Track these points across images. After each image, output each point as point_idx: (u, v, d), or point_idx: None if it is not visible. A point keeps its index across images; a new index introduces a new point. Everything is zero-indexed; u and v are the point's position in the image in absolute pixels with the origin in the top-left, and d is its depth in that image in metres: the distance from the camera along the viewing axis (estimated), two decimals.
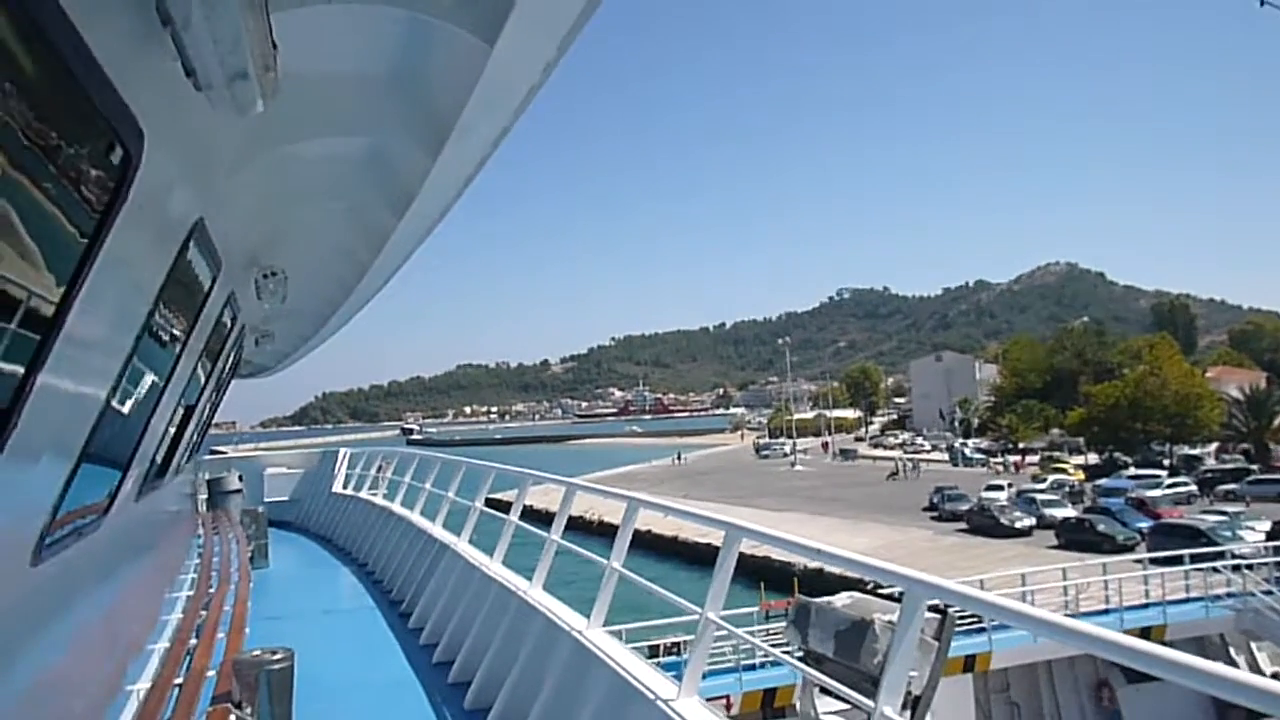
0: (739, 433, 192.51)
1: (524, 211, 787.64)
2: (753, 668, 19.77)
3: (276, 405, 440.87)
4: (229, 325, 7.53)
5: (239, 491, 18.29)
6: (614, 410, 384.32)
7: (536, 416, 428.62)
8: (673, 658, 18.74)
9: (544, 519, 8.67)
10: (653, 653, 19.28)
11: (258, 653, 5.71)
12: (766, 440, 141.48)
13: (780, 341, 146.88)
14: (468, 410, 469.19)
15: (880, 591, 5.68)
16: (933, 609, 4.56)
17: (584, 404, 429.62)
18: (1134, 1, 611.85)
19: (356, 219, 7.49)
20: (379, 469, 18.58)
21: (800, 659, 5.12)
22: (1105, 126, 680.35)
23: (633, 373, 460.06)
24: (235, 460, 25.67)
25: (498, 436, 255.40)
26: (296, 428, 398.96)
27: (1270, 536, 33.39)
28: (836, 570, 33.34)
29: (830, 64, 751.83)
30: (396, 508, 15.07)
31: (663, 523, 48.85)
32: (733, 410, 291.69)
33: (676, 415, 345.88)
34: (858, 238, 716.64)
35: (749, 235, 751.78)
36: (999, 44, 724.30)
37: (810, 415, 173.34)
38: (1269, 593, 22.74)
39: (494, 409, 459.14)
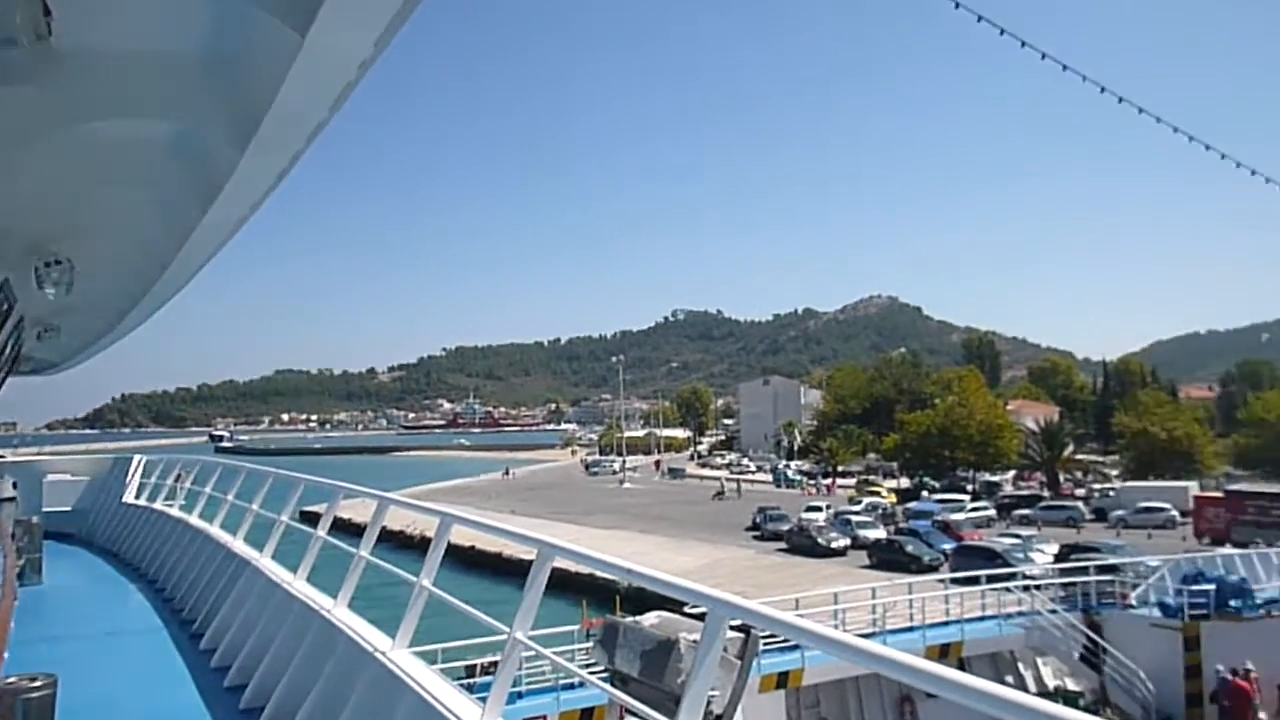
0: (570, 449, 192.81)
1: (355, 213, 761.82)
2: (572, 686, 19.63)
3: (67, 406, 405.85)
4: (2, 316, 6.88)
5: (11, 500, 16.62)
6: (443, 422, 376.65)
7: (360, 426, 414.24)
8: (488, 678, 18.41)
9: (361, 534, 8.27)
10: (469, 673, 18.87)
11: (13, 680, 5.16)
12: (597, 457, 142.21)
13: (614, 359, 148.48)
14: (285, 418, 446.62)
15: (690, 611, 5.70)
16: (738, 628, 4.59)
17: (411, 415, 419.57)
18: (945, 46, 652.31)
19: (159, 209, 6.97)
20: (177, 478, 17.35)
21: (607, 679, 5.07)
22: (923, 167, 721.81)
23: (464, 384, 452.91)
24: (9, 464, 23.37)
25: (317, 446, 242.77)
26: (89, 431, 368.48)
27: (1057, 559, 35.90)
28: (657, 589, 34.04)
29: (668, 87, 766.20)
30: (194, 520, 14.07)
31: (487, 539, 48.20)
32: (564, 426, 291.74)
33: (507, 429, 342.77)
34: (694, 260, 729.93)
35: (589, 253, 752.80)
36: (834, 80, 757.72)
37: (641, 433, 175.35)
38: (1053, 611, 24.56)
39: (314, 417, 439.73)
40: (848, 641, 3.21)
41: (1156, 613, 24.68)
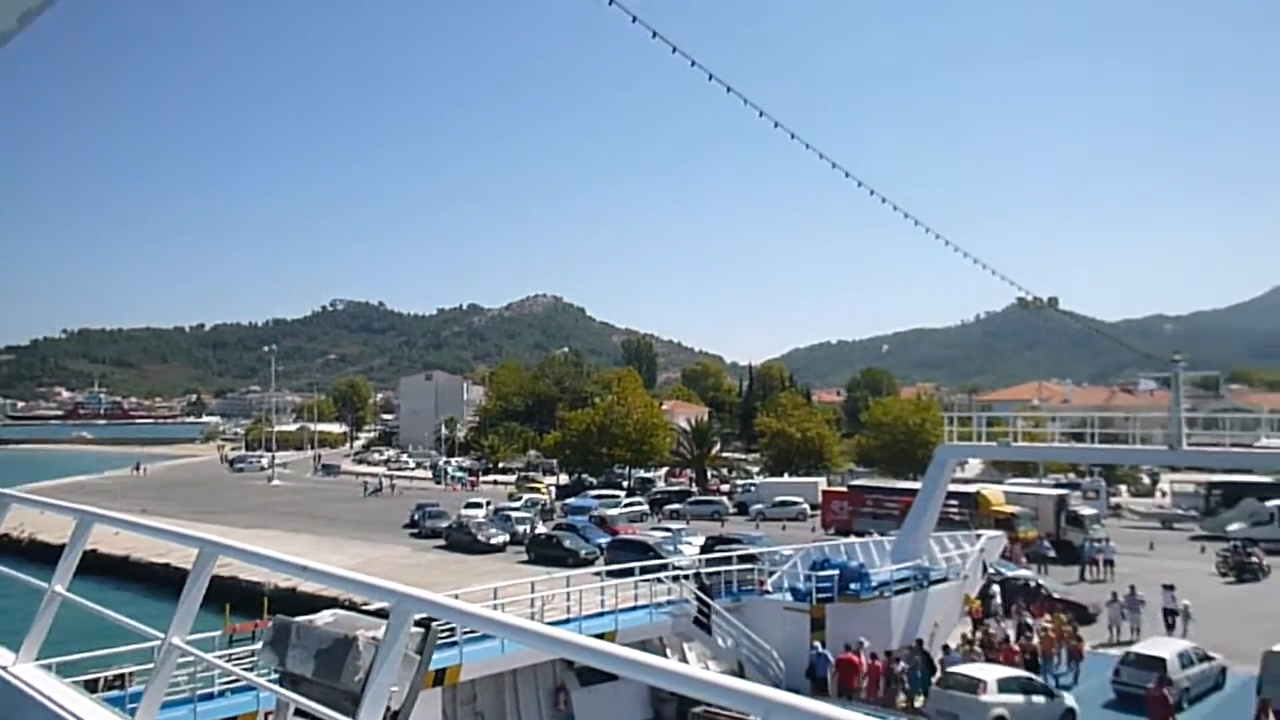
0: (213, 443, 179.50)
1: None
2: (211, 696, 18.27)
3: None
4: None
5: None
6: (61, 413, 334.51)
7: None
8: (117, 691, 16.73)
9: None
10: (109, 685, 17.08)
11: None
12: (243, 453, 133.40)
13: (266, 349, 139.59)
14: None
15: (368, 608, 5.56)
16: (418, 623, 4.56)
17: (21, 404, 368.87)
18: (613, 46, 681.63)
19: None
20: None
21: (277, 682, 4.83)
22: (586, 170, 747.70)
23: (88, 371, 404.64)
24: None
25: None
26: None
27: (703, 550, 38.57)
28: (312, 589, 32.47)
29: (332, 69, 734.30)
30: None
31: (112, 541, 43.62)
32: (207, 419, 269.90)
33: (139, 421, 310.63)
34: (357, 250, 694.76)
35: (240, 234, 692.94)
36: (512, 77, 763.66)
37: (293, 428, 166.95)
38: (699, 599, 26.44)
39: None
40: (534, 629, 3.32)
41: (789, 597, 27.06)
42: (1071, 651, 26.61)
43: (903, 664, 24.61)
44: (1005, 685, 21.97)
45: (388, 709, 4.20)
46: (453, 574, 39.88)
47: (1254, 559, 42.18)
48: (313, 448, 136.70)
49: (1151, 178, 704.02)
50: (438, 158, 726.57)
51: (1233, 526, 52.11)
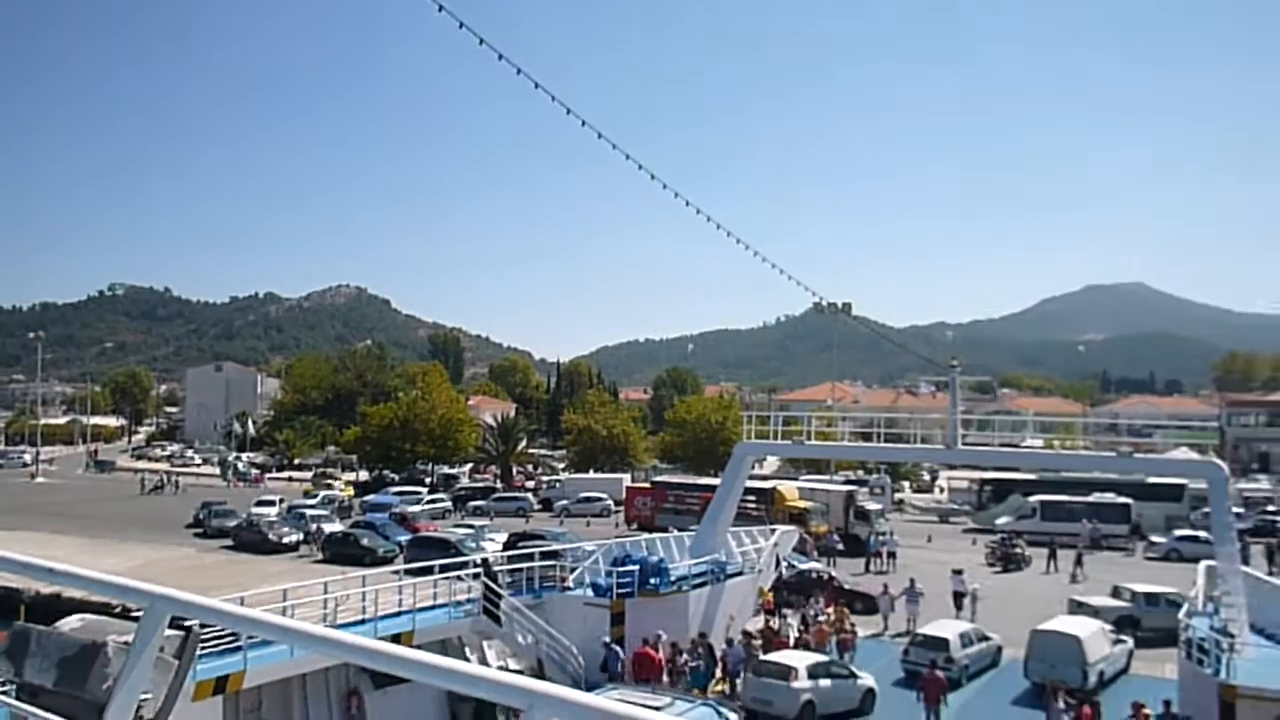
0: None
1: None
2: None
3: None
4: None
5: None
6: None
7: None
8: None
9: None
10: None
11: None
12: (2, 448, 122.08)
13: (32, 335, 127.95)
14: None
15: (135, 614, 5.12)
16: (181, 627, 4.24)
17: None
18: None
19: None
20: None
21: (15, 695, 4.37)
22: (395, 160, 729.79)
23: None
24: None
25: None
26: None
27: (506, 547, 38.31)
28: (80, 594, 29.99)
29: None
30: None
31: None
32: None
33: None
34: (139, 230, 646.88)
35: (3, 209, 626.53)
36: (339, 65, 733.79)
37: (63, 421, 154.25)
38: (499, 596, 26.13)
39: None
40: (312, 631, 3.12)
41: (590, 593, 27.25)
42: (842, 642, 28.02)
43: (685, 656, 25.28)
44: (813, 671, 23.32)
45: (139, 718, 3.88)
46: (238, 575, 37.85)
47: (1018, 550, 45.90)
48: (85, 442, 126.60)
49: (948, 199, 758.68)
50: (233, 135, 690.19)
51: (1000, 520, 56.45)
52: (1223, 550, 24.98)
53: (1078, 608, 31.06)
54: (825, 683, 23.26)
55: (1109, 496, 55.66)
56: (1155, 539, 51.18)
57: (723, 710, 20.92)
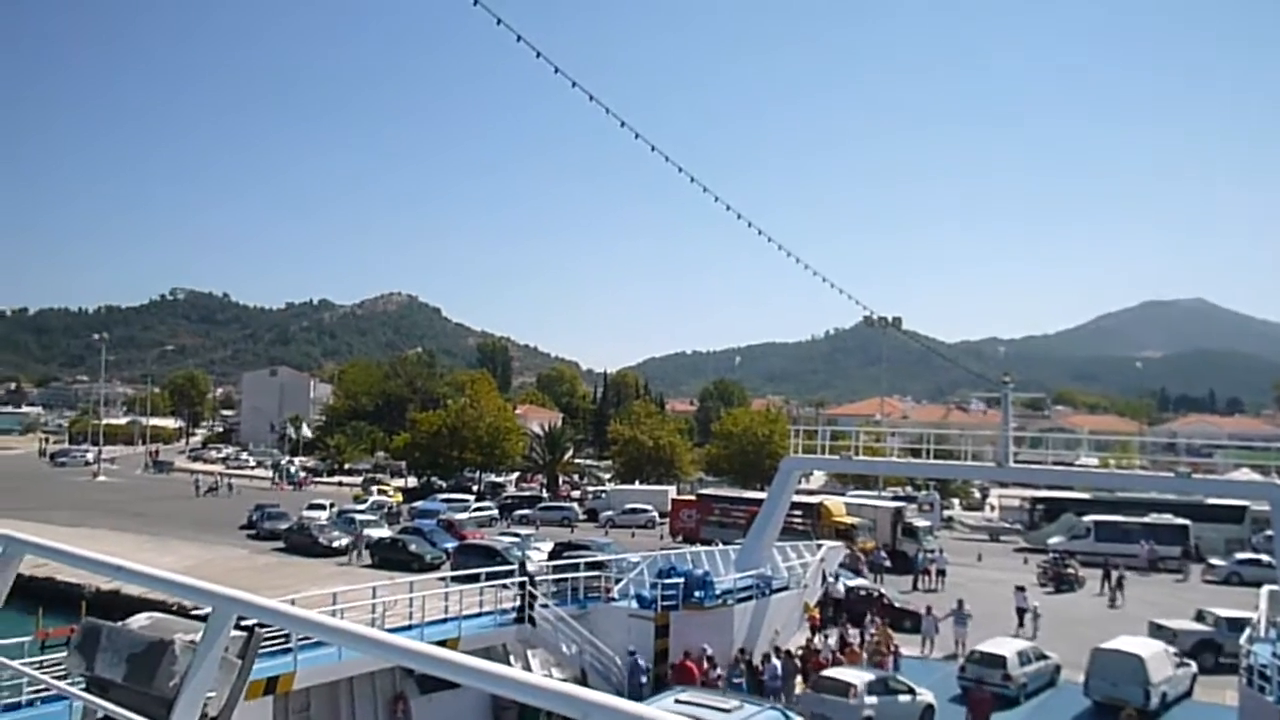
0: (33, 435, 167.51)
1: None
2: (18, 706, 17.03)
3: None
4: None
5: None
6: None
7: None
8: None
9: None
10: None
11: None
12: (66, 446, 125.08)
13: (96, 337, 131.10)
14: None
15: (195, 613, 5.28)
16: (241, 627, 4.35)
17: None
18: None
19: None
20: None
21: (84, 688, 4.51)
22: (450, 170, 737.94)
23: None
24: None
25: None
26: None
27: (551, 556, 38.42)
28: (137, 592, 30.68)
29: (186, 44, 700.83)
30: None
31: None
32: (27, 409, 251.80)
33: None
34: (200, 237, 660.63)
35: (68, 215, 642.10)
36: (383, 76, 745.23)
37: (124, 421, 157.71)
38: (545, 605, 26.21)
39: None
40: (365, 634, 3.20)
41: (635, 604, 27.18)
42: (878, 665, 27.46)
43: (719, 670, 25.14)
44: (873, 687, 23.17)
45: (204, 715, 4.00)
46: (288, 577, 38.51)
47: (1070, 570, 45.00)
48: (144, 443, 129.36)
49: (997, 215, 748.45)
50: (293, 150, 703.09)
51: (1053, 540, 55.45)
52: None
53: (1157, 630, 30.27)
54: (885, 699, 23.12)
55: (1166, 517, 54.44)
56: (1215, 561, 49.83)
57: (790, 715, 20.74)
